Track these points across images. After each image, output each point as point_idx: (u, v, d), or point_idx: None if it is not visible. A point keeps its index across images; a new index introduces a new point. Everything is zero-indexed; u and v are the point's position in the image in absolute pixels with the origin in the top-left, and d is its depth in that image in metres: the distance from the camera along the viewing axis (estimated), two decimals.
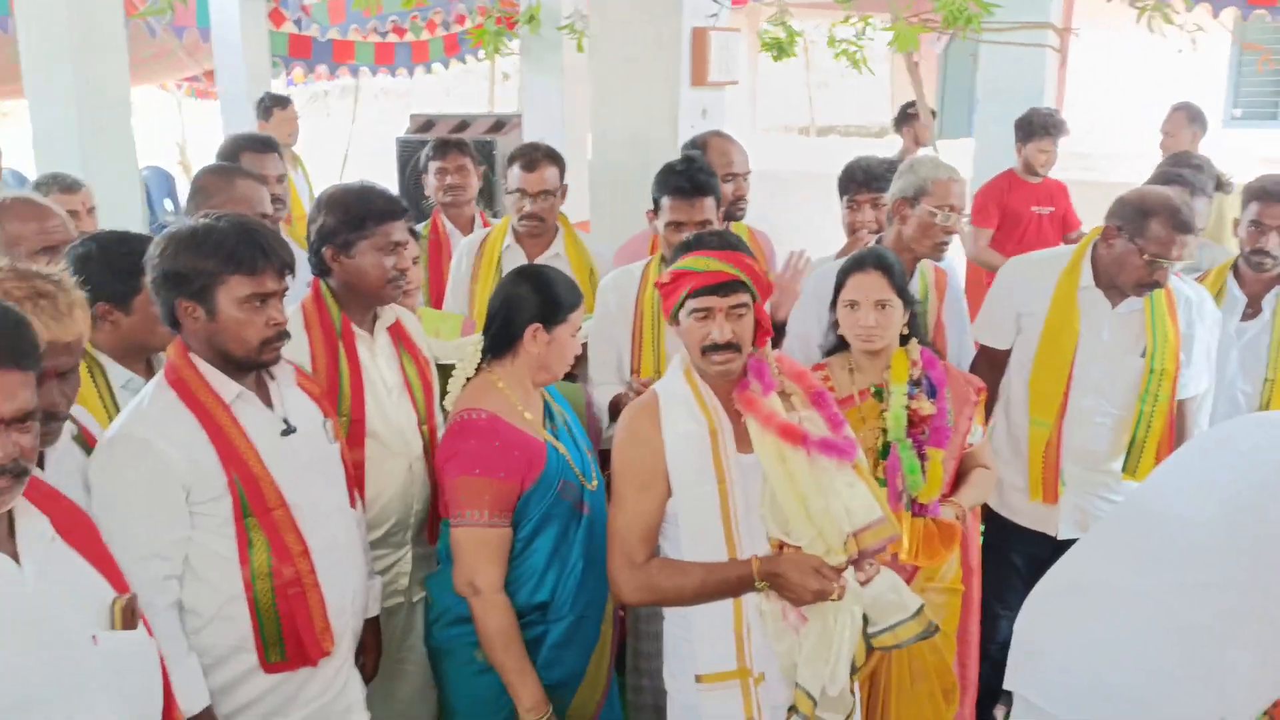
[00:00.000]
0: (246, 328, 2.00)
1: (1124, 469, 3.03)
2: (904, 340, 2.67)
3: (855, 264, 2.69)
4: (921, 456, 2.58)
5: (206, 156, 4.14)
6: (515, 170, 3.51)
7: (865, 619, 2.17)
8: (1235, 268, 3.36)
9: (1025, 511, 3.10)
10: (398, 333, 2.59)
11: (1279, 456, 1.93)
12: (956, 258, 4.42)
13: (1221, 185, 3.76)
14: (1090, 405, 3.00)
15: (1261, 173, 5.66)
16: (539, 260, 3.55)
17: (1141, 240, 2.83)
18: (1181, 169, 3.73)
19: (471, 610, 2.24)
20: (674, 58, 3.44)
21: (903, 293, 2.63)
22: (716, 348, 2.10)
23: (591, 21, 3.70)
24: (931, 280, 3.14)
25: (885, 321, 2.61)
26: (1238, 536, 1.91)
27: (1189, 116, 5.91)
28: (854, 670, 2.19)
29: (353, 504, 2.29)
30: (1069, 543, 2.84)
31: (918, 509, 2.58)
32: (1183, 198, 2.92)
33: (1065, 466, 3.03)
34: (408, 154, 6.14)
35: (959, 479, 2.73)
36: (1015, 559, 3.12)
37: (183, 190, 8.90)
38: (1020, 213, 5.15)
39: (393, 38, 7.94)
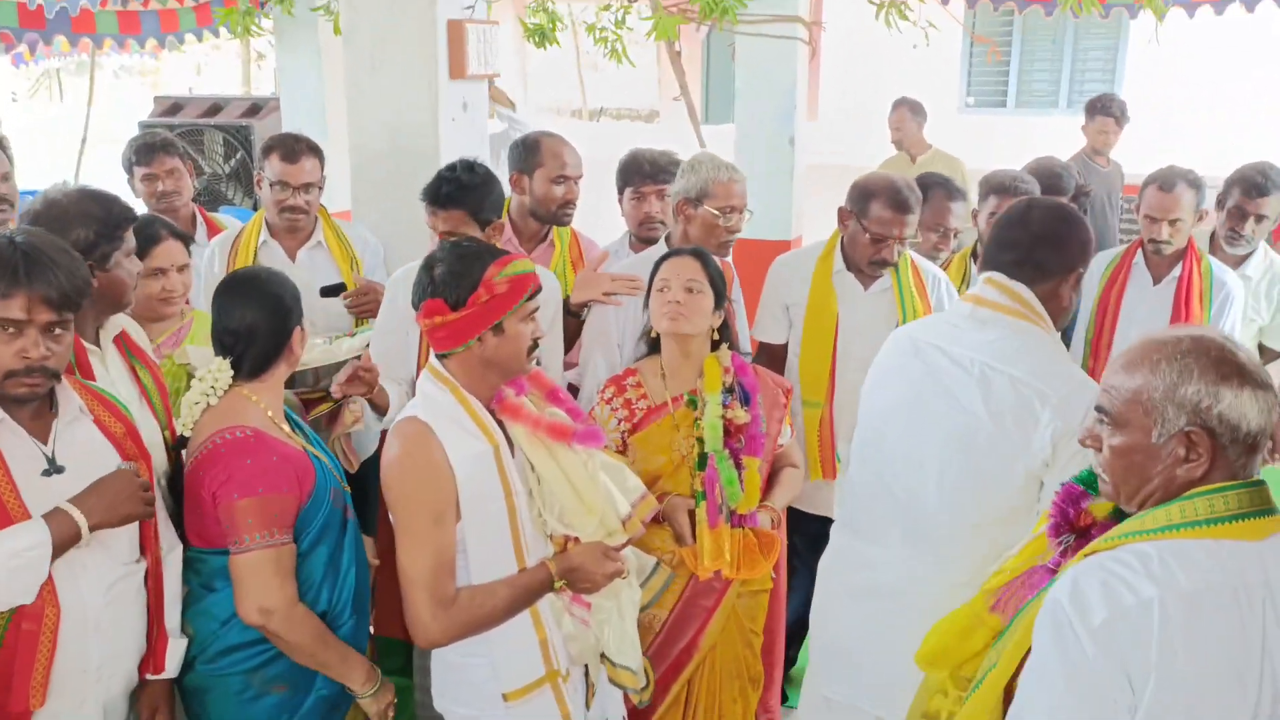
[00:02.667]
0: None
1: None
2: (714, 346, 2.71)
3: (673, 253, 2.76)
4: (738, 466, 2.60)
5: None
6: (274, 161, 3.37)
7: None
8: (975, 253, 3.64)
9: (804, 496, 3.23)
10: (124, 341, 2.44)
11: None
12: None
13: (1079, 196, 3.97)
14: (855, 381, 3.16)
15: (993, 154, 6.16)
16: (301, 252, 3.45)
17: (866, 221, 3.06)
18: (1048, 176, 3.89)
19: (270, 633, 2.16)
20: (430, 51, 3.35)
21: (715, 287, 2.66)
22: (536, 344, 2.16)
23: (342, 11, 3.55)
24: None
25: (692, 304, 2.61)
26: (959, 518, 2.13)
27: (911, 110, 6.40)
28: None
29: (146, 551, 2.14)
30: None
31: (736, 520, 2.60)
32: (906, 181, 3.13)
33: (839, 446, 3.20)
34: None
35: (770, 478, 2.79)
36: (795, 540, 3.26)
37: None
38: None
39: (136, 5, 7.31)
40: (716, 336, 2.70)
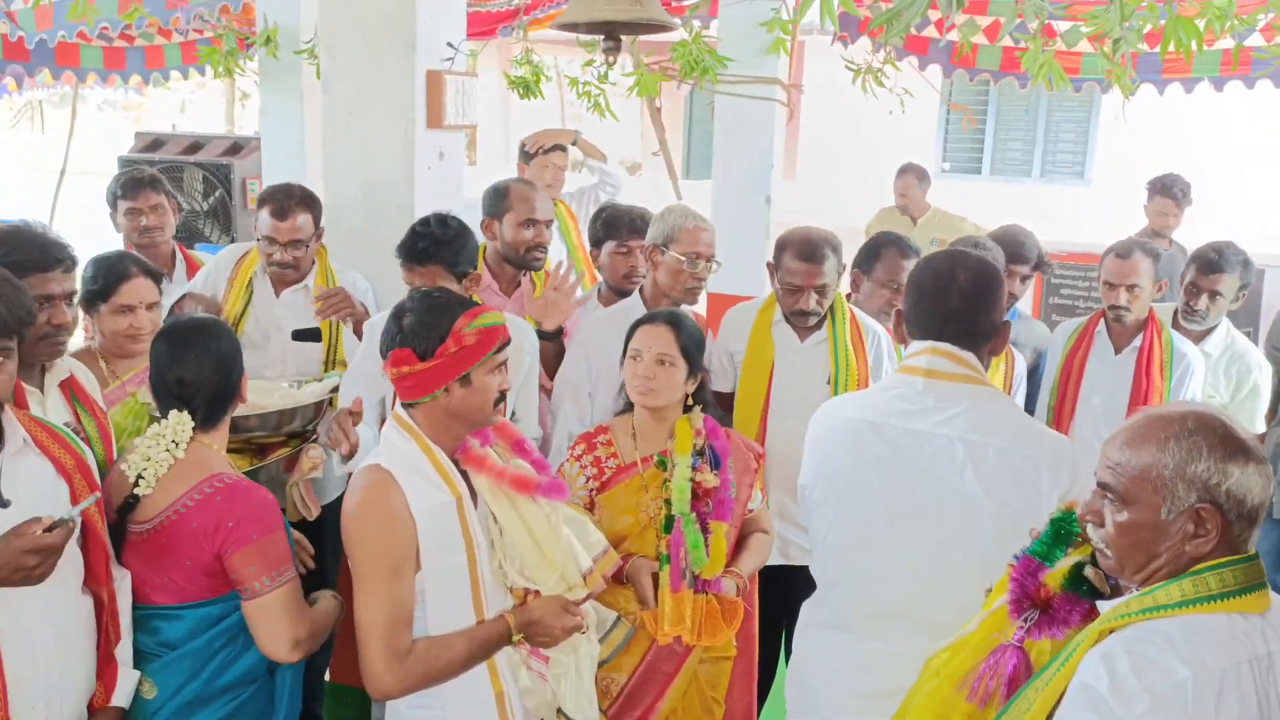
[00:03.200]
0: None
1: None
2: (688, 408, 2.68)
3: (648, 318, 2.74)
4: (705, 530, 2.56)
5: None
6: (265, 216, 3.30)
7: None
8: None
9: None
10: (70, 386, 2.41)
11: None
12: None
13: (1041, 265, 3.97)
14: (787, 430, 3.14)
15: (969, 218, 6.21)
16: (286, 292, 3.41)
17: (781, 271, 3.14)
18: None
19: (299, 657, 2.19)
20: (407, 100, 3.38)
21: (690, 355, 2.63)
22: (503, 396, 2.17)
23: (321, 59, 3.57)
24: None
25: (663, 377, 2.60)
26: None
27: (917, 176, 6.55)
28: None
29: (100, 581, 2.09)
30: (774, 569, 3.02)
31: (700, 585, 2.56)
32: (824, 234, 3.16)
33: (771, 493, 3.14)
34: None
35: (739, 544, 2.75)
36: None
37: None
38: None
39: (121, 43, 7.33)
40: (691, 401, 2.69)
